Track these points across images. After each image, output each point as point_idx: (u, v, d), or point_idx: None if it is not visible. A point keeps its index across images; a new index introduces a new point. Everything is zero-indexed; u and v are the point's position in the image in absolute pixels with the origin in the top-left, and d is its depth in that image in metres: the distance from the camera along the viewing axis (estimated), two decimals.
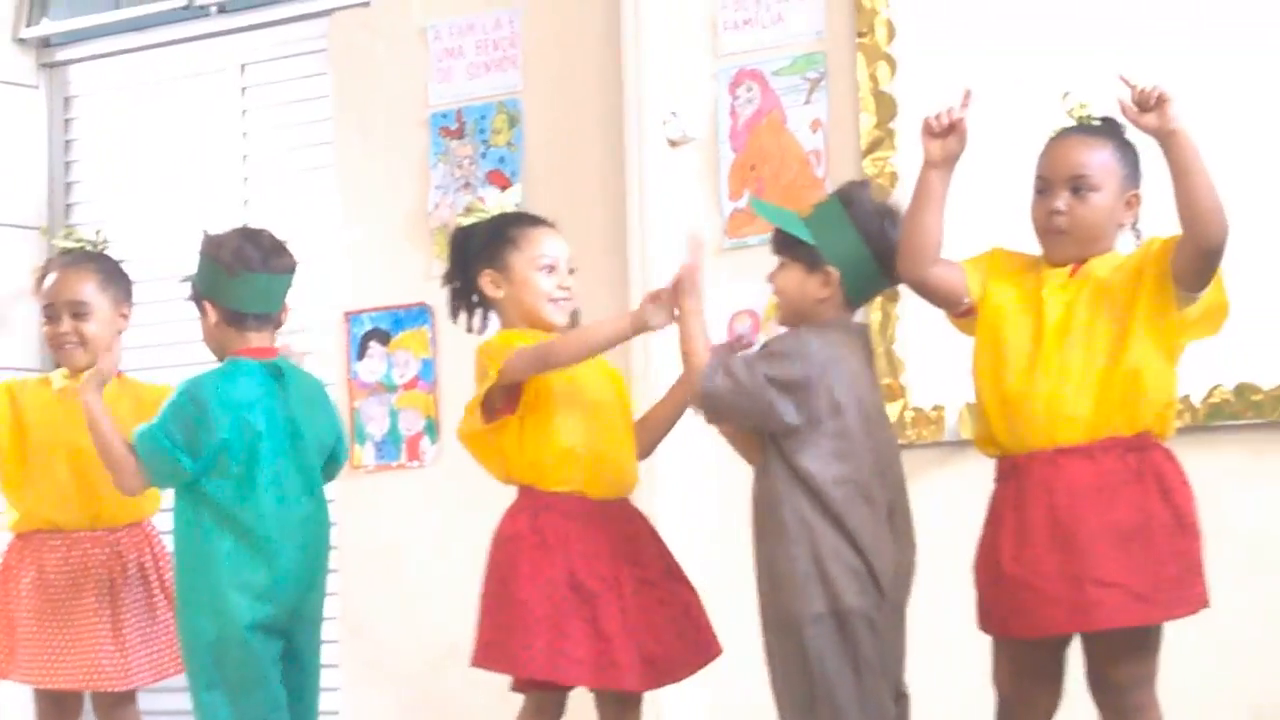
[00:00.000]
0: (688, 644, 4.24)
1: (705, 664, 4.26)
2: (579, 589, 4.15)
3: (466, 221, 4.45)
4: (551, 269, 4.36)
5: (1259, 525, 5.20)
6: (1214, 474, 5.12)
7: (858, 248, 3.94)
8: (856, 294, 4.03)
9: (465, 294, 4.41)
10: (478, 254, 4.37)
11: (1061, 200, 3.80)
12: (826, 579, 3.85)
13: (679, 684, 4.32)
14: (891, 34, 5.74)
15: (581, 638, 4.10)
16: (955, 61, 5.58)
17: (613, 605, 4.16)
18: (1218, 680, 5.18)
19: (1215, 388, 5.22)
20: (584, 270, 6.08)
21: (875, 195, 4.07)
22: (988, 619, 3.85)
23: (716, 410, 3.96)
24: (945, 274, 3.90)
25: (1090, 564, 3.65)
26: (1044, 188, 3.84)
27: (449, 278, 4.45)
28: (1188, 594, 3.73)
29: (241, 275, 4.59)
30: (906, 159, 5.64)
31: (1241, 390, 5.20)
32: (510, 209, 4.47)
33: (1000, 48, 5.52)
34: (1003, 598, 3.79)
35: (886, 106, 5.73)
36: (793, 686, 3.90)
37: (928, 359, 5.36)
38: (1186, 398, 5.18)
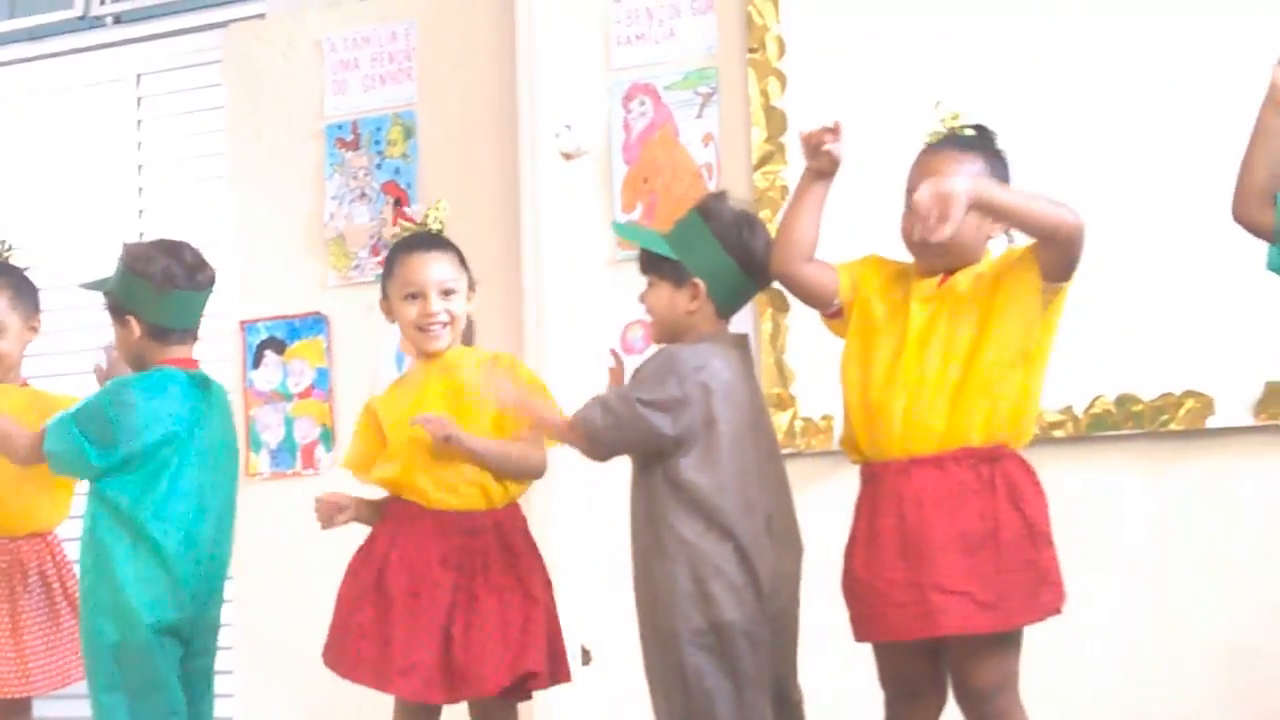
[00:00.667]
0: (508, 659, 4.21)
1: (513, 679, 4.23)
2: (384, 592, 4.22)
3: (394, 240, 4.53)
4: (414, 296, 4.35)
5: (1139, 532, 5.24)
6: (1096, 483, 5.24)
7: (720, 257, 3.93)
8: (726, 303, 4.01)
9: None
10: (384, 280, 4.46)
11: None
12: (706, 595, 3.83)
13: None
14: (782, 50, 5.74)
15: (372, 640, 4.19)
16: (844, 76, 5.61)
17: (420, 612, 4.20)
18: (1097, 683, 5.22)
19: (1097, 399, 5.24)
20: (479, 281, 6.07)
21: (733, 205, 4.03)
22: (852, 624, 3.84)
23: (599, 445, 3.95)
24: (817, 273, 3.89)
25: (935, 572, 3.64)
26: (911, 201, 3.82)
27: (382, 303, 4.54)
28: (1037, 601, 3.71)
29: (168, 292, 4.55)
30: (797, 172, 5.54)
31: (1122, 401, 5.23)
32: (436, 223, 4.49)
33: (887, 63, 5.51)
34: (858, 603, 3.79)
35: (777, 121, 5.73)
36: (672, 702, 3.89)
37: (817, 369, 5.33)
38: (1069, 408, 5.24)
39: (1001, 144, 3.94)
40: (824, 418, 5.53)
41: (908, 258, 3.91)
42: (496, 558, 4.27)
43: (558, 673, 4.35)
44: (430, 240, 4.47)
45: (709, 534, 3.85)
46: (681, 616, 3.83)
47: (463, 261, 4.46)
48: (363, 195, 6.34)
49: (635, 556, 3.98)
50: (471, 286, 4.46)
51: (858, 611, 3.80)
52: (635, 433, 3.86)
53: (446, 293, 4.37)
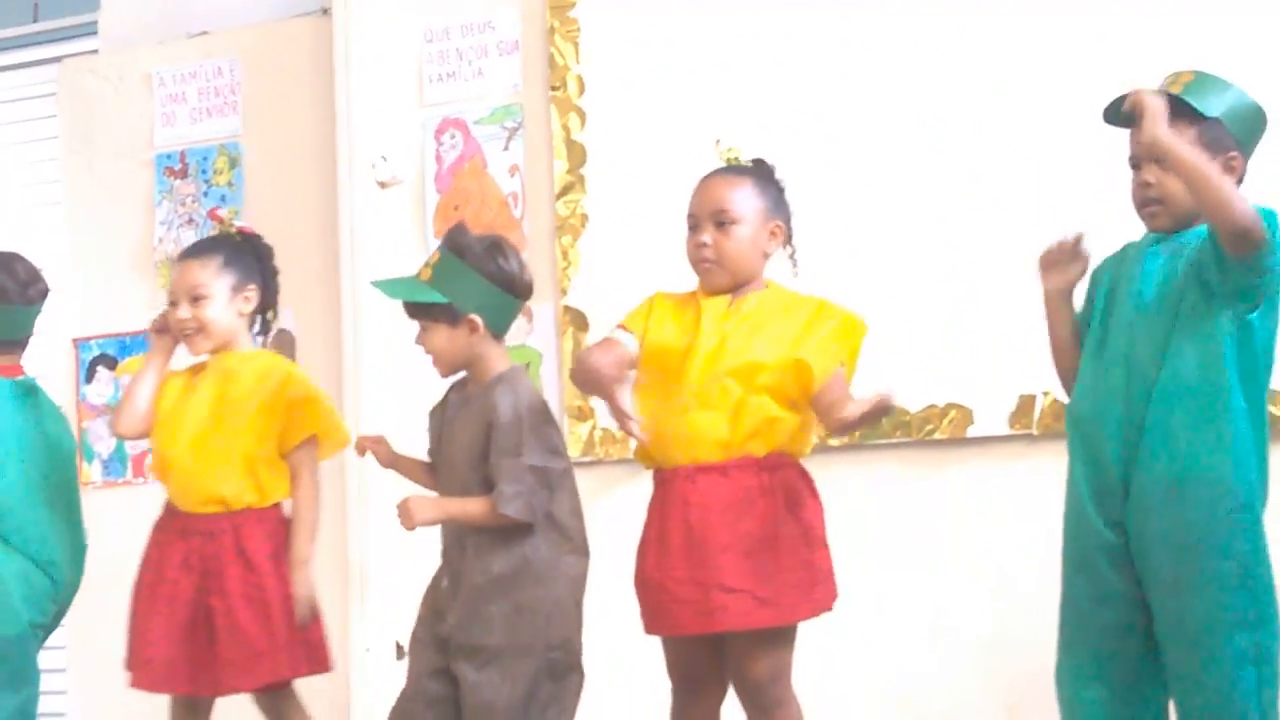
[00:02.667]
0: (221, 665, 4.18)
1: (257, 684, 4.21)
2: (139, 592, 4.26)
3: None
4: (174, 304, 4.31)
5: (909, 532, 5.27)
6: (869, 487, 5.28)
7: (485, 288, 3.83)
8: (499, 326, 3.91)
9: None
10: None
11: (707, 234, 3.76)
12: (563, 613, 3.80)
13: None
14: (582, 88, 5.73)
15: (130, 637, 4.26)
16: (639, 112, 5.62)
17: (160, 612, 4.19)
18: (868, 673, 5.25)
19: None
20: (299, 302, 6.03)
21: (478, 235, 3.93)
22: (643, 619, 3.83)
23: (535, 516, 3.76)
24: (611, 360, 3.80)
25: (718, 572, 3.63)
26: (693, 224, 3.81)
27: None
28: (811, 599, 3.72)
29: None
30: (595, 201, 5.68)
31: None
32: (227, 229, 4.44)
33: (678, 100, 5.52)
34: (648, 600, 3.78)
35: (577, 153, 5.71)
36: (513, 711, 3.78)
37: None
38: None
39: (780, 174, 3.94)
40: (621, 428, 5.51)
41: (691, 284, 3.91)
42: (232, 562, 4.19)
43: (315, 662, 4.30)
44: (195, 247, 4.45)
45: (573, 556, 3.83)
46: (541, 632, 3.77)
47: (233, 263, 4.34)
48: (190, 221, 6.24)
49: (491, 578, 3.83)
50: (248, 287, 4.35)
51: (648, 607, 3.78)
52: (549, 489, 3.78)
53: (196, 299, 4.27)
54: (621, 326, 3.90)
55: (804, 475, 3.81)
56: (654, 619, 3.77)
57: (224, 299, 4.30)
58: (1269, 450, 3.52)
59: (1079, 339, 3.74)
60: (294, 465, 4.28)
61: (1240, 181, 3.53)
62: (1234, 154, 3.50)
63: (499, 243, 3.92)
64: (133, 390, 4.38)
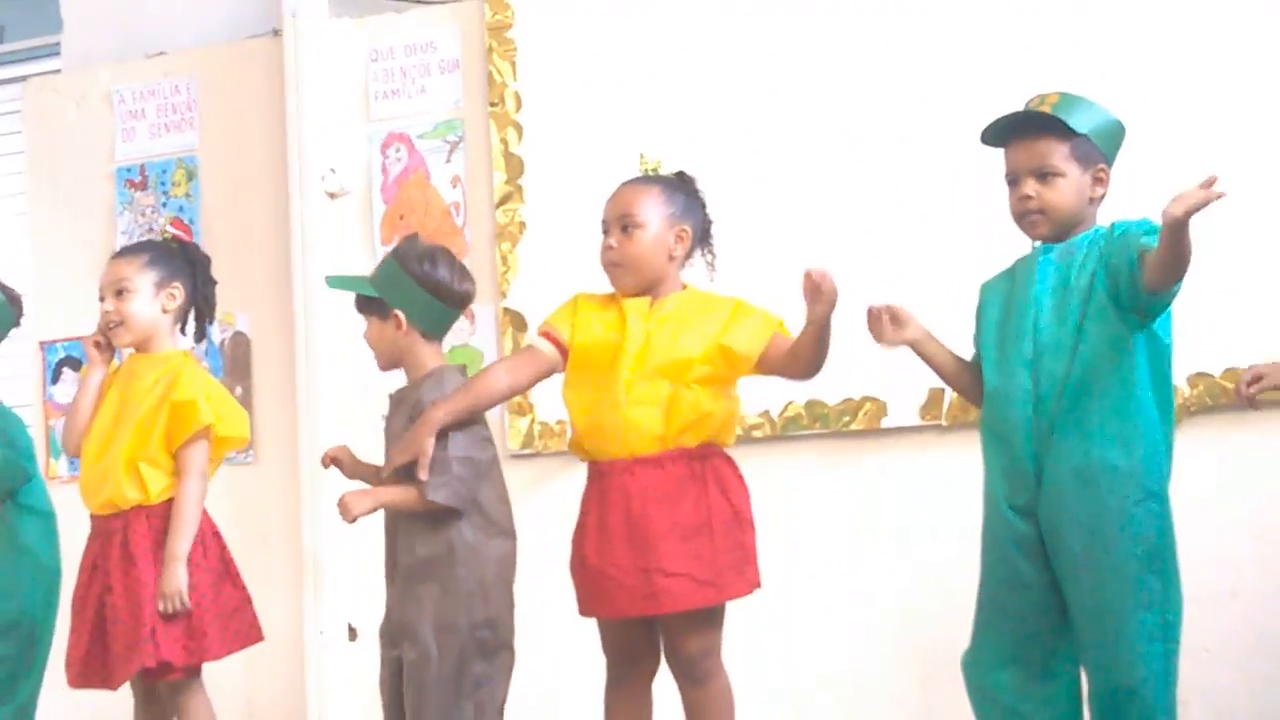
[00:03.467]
0: (111, 658, 4.14)
1: (111, 683, 4.15)
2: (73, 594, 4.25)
3: None
4: (101, 299, 4.28)
5: (827, 516, 5.32)
6: (789, 476, 5.30)
7: (413, 289, 3.90)
8: (430, 328, 3.96)
9: None
10: None
11: (614, 238, 3.80)
12: (489, 593, 3.84)
13: None
14: (519, 104, 5.77)
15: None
16: (573, 127, 5.66)
17: (77, 613, 4.19)
18: (790, 645, 5.30)
19: (789, 404, 5.33)
20: (253, 306, 6.04)
21: (421, 245, 4.00)
22: (579, 602, 3.86)
23: (466, 505, 3.83)
24: (535, 367, 3.92)
25: (658, 558, 3.67)
26: (604, 229, 3.85)
27: None
28: (744, 577, 3.78)
29: None
30: (532, 209, 5.72)
31: (811, 405, 5.31)
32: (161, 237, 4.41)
33: (609, 115, 5.57)
34: (588, 584, 3.80)
35: (515, 166, 5.76)
36: (445, 687, 3.83)
37: (552, 380, 5.41)
38: (766, 412, 5.31)
39: (699, 184, 3.99)
40: (558, 422, 5.56)
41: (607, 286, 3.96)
42: (119, 559, 4.14)
43: (192, 653, 4.17)
44: (124, 248, 4.47)
45: (495, 540, 3.86)
46: (466, 611, 3.81)
47: (158, 262, 4.33)
48: (150, 230, 6.22)
49: (416, 557, 3.88)
50: (172, 284, 4.31)
51: (587, 592, 3.81)
52: (477, 477, 3.83)
53: (119, 293, 4.25)
54: (543, 333, 3.94)
55: (730, 462, 3.86)
56: (596, 602, 3.80)
57: (147, 294, 4.26)
58: (1174, 440, 3.56)
59: (962, 364, 3.79)
60: (179, 464, 4.18)
61: (1106, 191, 3.60)
62: (1102, 166, 3.55)
63: (435, 252, 3.99)
64: (73, 407, 4.33)
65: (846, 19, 5.37)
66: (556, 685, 5.25)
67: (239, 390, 5.96)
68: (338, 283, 4.16)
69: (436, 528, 3.82)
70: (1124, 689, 3.41)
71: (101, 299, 4.28)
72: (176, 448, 4.17)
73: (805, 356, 3.72)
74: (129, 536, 4.12)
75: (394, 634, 3.88)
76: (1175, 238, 3.22)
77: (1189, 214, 3.16)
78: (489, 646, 3.82)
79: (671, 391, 3.74)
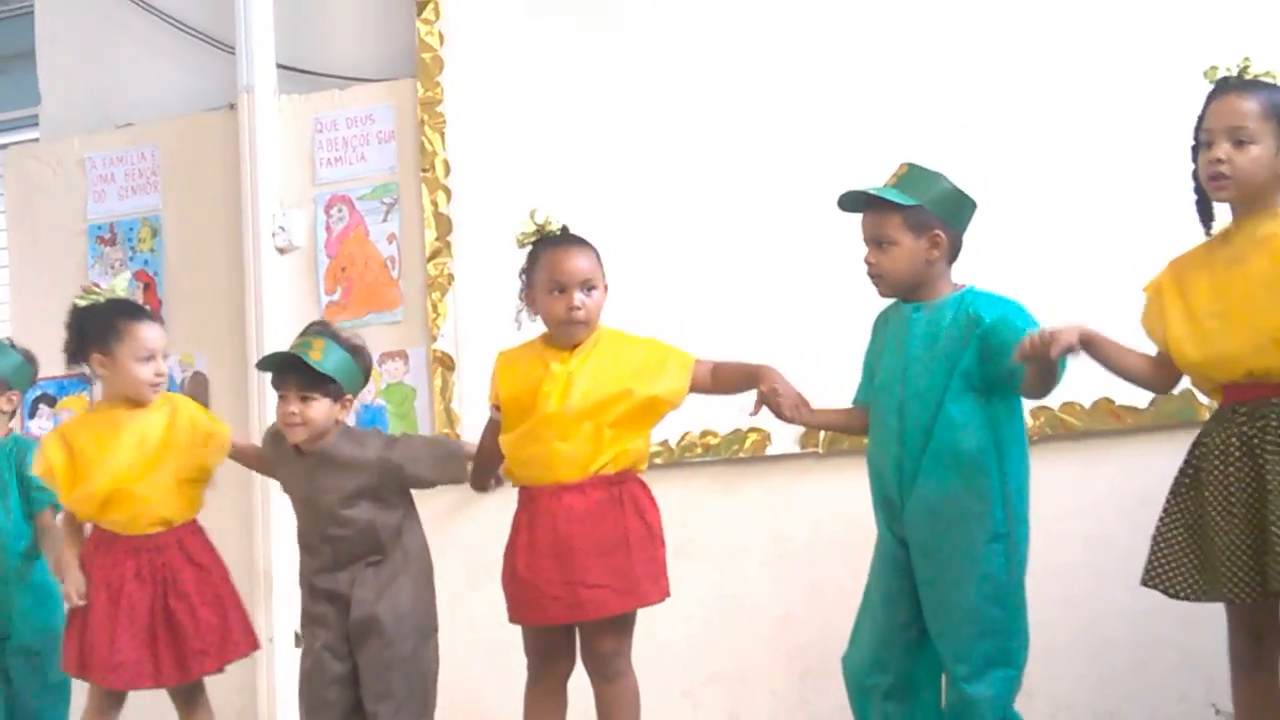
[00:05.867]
0: (211, 649, 4.17)
1: (221, 665, 4.21)
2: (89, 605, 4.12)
3: (83, 303, 4.21)
4: (150, 358, 4.14)
5: (717, 533, 5.32)
6: (686, 497, 5.30)
7: (353, 370, 4.02)
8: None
9: (78, 365, 4.24)
10: (91, 337, 4.15)
11: (578, 298, 3.79)
12: (430, 581, 3.97)
13: None
14: (448, 170, 5.78)
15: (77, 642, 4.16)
16: (496, 191, 5.67)
17: (132, 621, 4.08)
18: (684, 646, 5.29)
19: (686, 433, 5.34)
20: (210, 350, 6.00)
21: (348, 339, 4.13)
22: (510, 610, 3.86)
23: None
24: (489, 442, 3.98)
25: (582, 572, 3.69)
26: (562, 288, 3.82)
27: (68, 350, 4.22)
28: (656, 586, 3.80)
29: None
30: (460, 263, 5.73)
31: (703, 435, 5.33)
32: (122, 294, 4.24)
33: (530, 182, 5.56)
34: (518, 595, 3.80)
35: (444, 224, 5.76)
36: (413, 686, 3.90)
37: (477, 414, 5.39)
38: (665, 441, 5.32)
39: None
40: None
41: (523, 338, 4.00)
42: (186, 567, 4.14)
43: (241, 646, 4.24)
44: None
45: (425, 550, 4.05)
46: (431, 615, 3.96)
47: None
48: None
49: (387, 571, 3.97)
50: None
51: (518, 601, 3.81)
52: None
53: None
54: (491, 404, 3.98)
55: (644, 486, 3.88)
56: (525, 611, 3.80)
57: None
58: (1028, 483, 3.55)
59: (854, 410, 3.80)
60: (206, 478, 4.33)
61: (955, 253, 3.59)
62: (938, 232, 3.54)
63: (351, 341, 4.14)
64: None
65: (763, 86, 5.36)
66: (484, 684, 5.22)
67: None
68: (317, 362, 4.06)
69: (388, 520, 3.89)
70: (968, 705, 3.42)
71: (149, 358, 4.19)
72: (213, 465, 4.24)
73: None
74: (189, 548, 4.14)
75: (363, 625, 3.92)
76: (1047, 368, 3.26)
77: (1060, 355, 3.20)
78: (430, 630, 3.98)
79: (593, 429, 3.76)
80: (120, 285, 4.27)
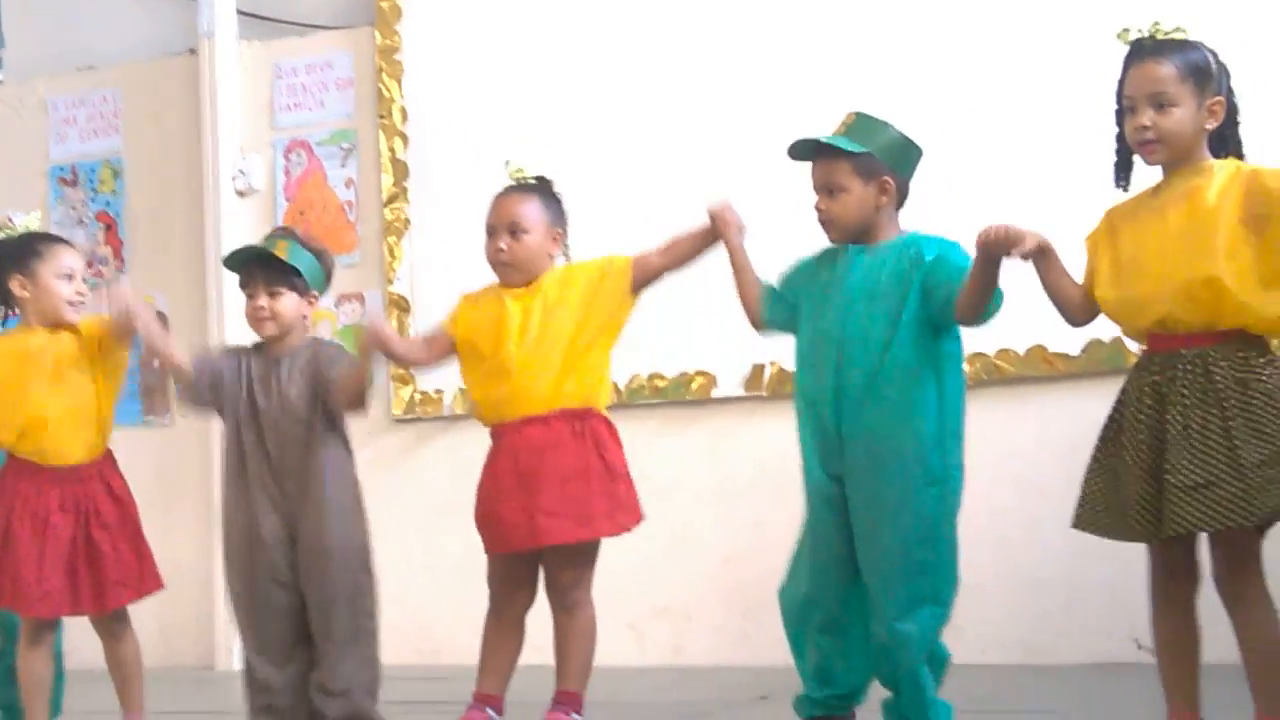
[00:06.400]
0: (118, 581, 4.03)
1: (140, 596, 4.07)
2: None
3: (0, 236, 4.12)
4: (70, 277, 4.02)
5: (665, 473, 5.30)
6: (634, 439, 5.24)
7: (316, 267, 3.91)
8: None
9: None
10: (10, 260, 4.01)
11: (503, 241, 3.77)
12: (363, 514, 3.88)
13: None
14: (405, 117, 5.78)
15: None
16: (452, 138, 5.67)
17: (54, 550, 3.96)
18: (634, 582, 5.27)
19: (634, 376, 5.38)
20: (171, 291, 5.99)
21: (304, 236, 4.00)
22: (483, 542, 3.83)
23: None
24: (436, 351, 3.92)
25: (541, 500, 3.67)
26: (491, 232, 3.80)
27: None
28: (613, 521, 3.77)
29: None
30: (415, 208, 5.73)
31: (651, 378, 5.37)
32: (35, 228, 4.13)
33: (485, 128, 5.54)
34: (487, 525, 3.79)
35: (401, 170, 5.77)
36: (367, 595, 3.84)
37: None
38: (615, 384, 5.32)
39: (560, 189, 3.92)
40: (436, 391, 5.59)
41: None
42: (107, 500, 4.03)
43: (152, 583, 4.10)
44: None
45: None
46: (362, 525, 3.84)
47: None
48: (80, 222, 6.19)
49: (312, 497, 3.84)
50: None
51: (488, 531, 3.79)
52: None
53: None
54: (445, 329, 3.92)
55: (608, 424, 3.84)
56: (491, 540, 3.79)
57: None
58: (964, 431, 3.51)
59: (762, 285, 3.76)
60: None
61: (903, 198, 3.57)
62: (886, 178, 3.52)
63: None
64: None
65: (718, 32, 5.36)
66: (439, 614, 5.23)
67: (156, 363, 5.86)
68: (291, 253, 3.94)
69: (326, 449, 3.83)
70: (895, 640, 3.42)
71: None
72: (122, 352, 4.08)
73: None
74: (109, 480, 4.02)
75: (311, 553, 3.81)
76: (987, 270, 3.25)
77: (1017, 253, 3.17)
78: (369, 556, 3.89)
79: (553, 360, 3.74)
80: (31, 222, 4.16)
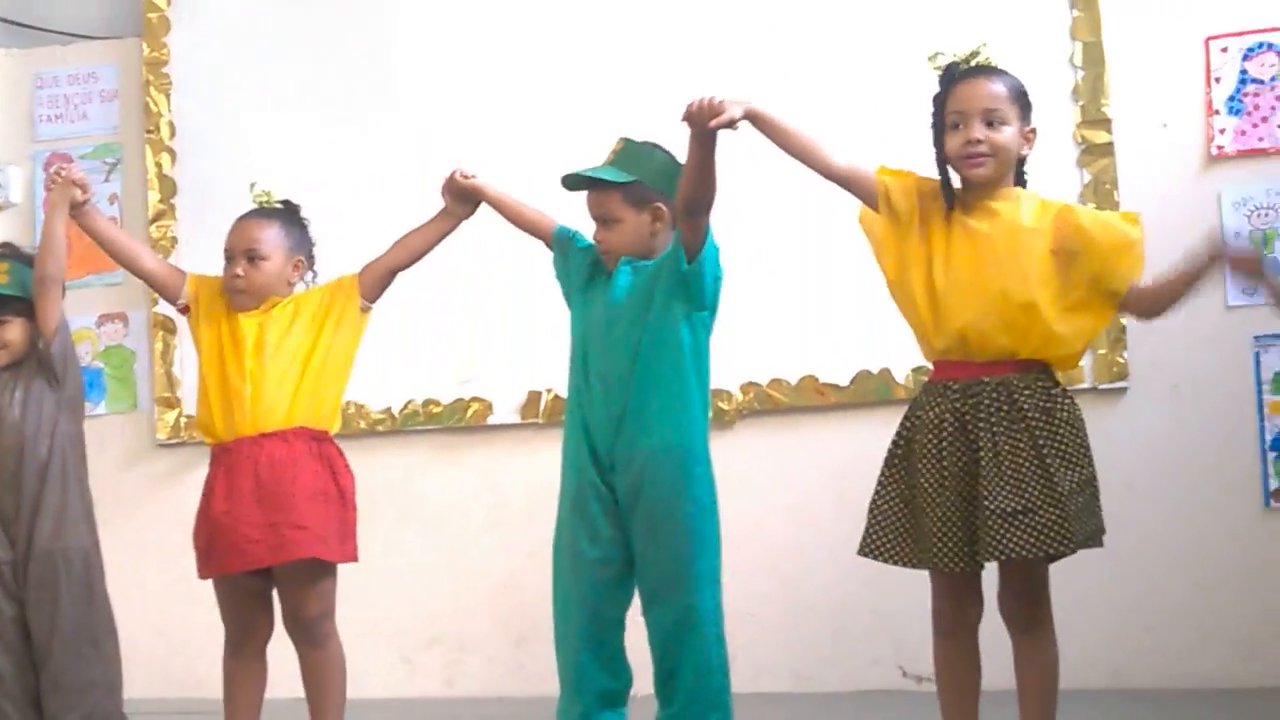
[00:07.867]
0: None
1: None
2: None
3: None
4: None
5: (439, 499, 5.35)
6: (408, 464, 5.32)
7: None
8: None
9: None
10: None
11: (240, 267, 3.70)
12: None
13: None
14: (173, 132, 5.67)
15: None
16: (224, 155, 5.56)
17: None
18: (406, 616, 5.30)
19: (409, 402, 5.35)
20: None
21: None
22: (203, 565, 3.71)
23: None
24: (170, 272, 3.87)
25: (286, 513, 3.60)
26: (229, 256, 3.74)
27: None
28: (343, 548, 3.70)
29: None
30: (183, 226, 5.62)
31: (426, 403, 5.34)
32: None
33: (251, 147, 5.49)
34: (215, 544, 3.65)
35: (168, 186, 5.65)
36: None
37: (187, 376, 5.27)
38: (389, 409, 5.32)
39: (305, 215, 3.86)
40: (189, 418, 5.45)
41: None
42: None
43: None
44: None
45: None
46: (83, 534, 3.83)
47: None
48: None
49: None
50: None
51: (214, 551, 3.66)
52: None
53: None
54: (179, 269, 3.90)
55: (338, 449, 3.78)
56: (223, 558, 3.65)
57: None
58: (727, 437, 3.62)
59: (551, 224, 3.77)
60: None
61: (677, 221, 3.54)
62: (658, 204, 3.54)
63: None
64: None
65: (504, 51, 5.37)
66: (203, 646, 5.09)
67: None
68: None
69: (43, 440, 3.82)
70: (689, 623, 3.45)
71: None
72: None
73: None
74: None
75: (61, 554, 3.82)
76: (700, 149, 3.27)
77: (718, 124, 3.19)
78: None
79: (291, 377, 3.69)
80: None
